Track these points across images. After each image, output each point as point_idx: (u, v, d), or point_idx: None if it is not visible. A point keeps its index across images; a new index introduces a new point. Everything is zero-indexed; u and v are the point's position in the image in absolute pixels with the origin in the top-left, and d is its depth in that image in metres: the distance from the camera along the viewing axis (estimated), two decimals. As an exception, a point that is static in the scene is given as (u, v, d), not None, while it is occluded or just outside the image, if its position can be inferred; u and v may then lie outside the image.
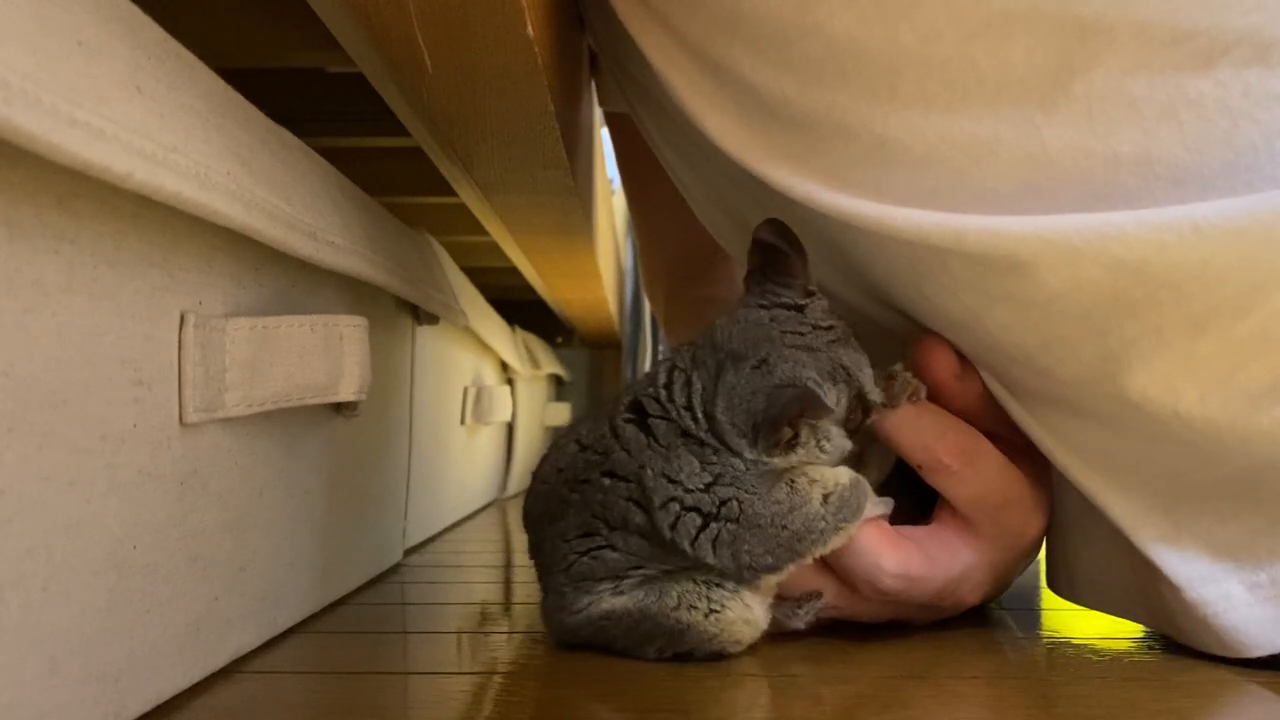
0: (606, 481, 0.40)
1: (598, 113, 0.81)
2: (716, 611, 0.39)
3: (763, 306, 0.41)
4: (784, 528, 0.38)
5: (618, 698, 0.35)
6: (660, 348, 1.92)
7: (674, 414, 0.39)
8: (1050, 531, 0.46)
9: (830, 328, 0.40)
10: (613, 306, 1.38)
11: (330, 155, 0.47)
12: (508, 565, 0.73)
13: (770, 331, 0.40)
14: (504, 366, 1.15)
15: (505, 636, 0.46)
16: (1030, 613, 0.52)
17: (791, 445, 0.38)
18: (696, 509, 0.38)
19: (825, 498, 0.39)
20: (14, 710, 0.25)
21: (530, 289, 1.15)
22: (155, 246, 0.31)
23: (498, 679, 0.38)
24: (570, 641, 0.42)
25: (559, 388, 1.75)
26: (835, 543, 0.39)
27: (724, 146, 0.43)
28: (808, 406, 0.37)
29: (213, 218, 0.31)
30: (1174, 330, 0.36)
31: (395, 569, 0.63)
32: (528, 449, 1.33)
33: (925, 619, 0.45)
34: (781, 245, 0.41)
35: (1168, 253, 0.35)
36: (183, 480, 0.33)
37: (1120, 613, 0.45)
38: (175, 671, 0.33)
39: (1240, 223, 0.34)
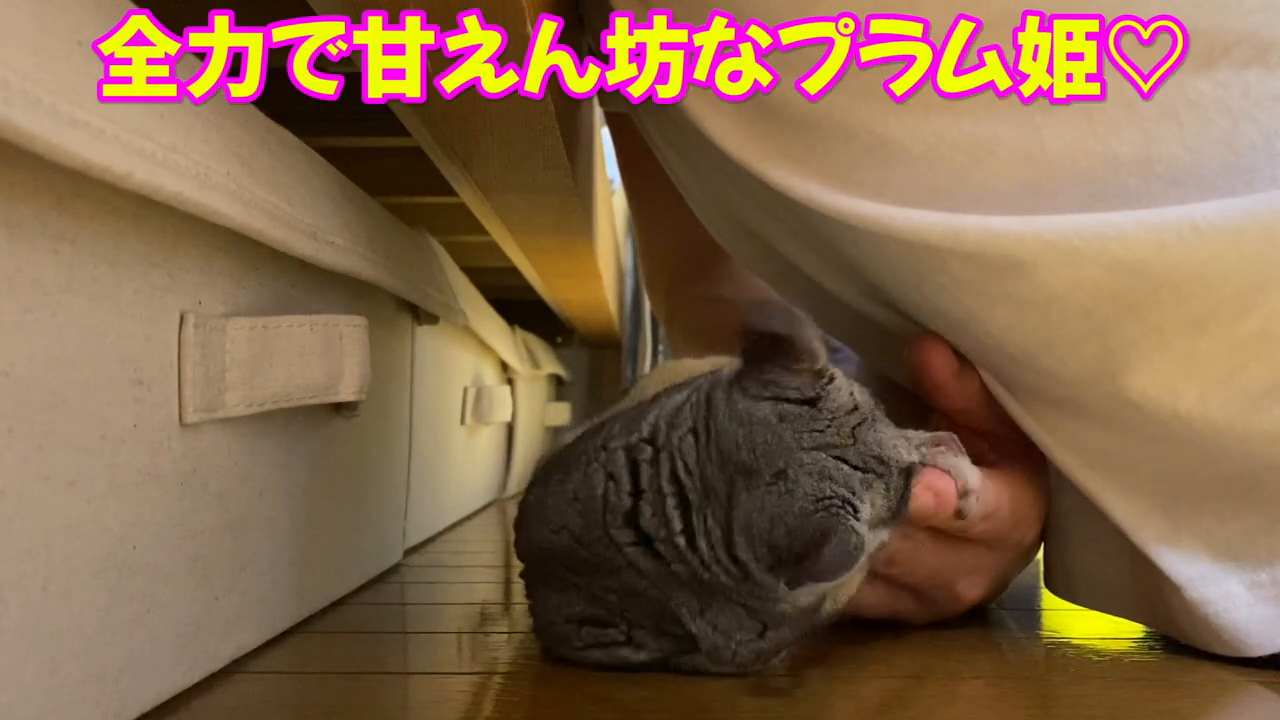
0: (614, 584, 0.36)
1: (598, 113, 0.81)
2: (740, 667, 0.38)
3: (767, 399, 0.35)
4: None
5: (618, 698, 0.35)
6: (660, 348, 1.92)
7: (693, 562, 0.35)
8: (1048, 532, 0.46)
9: (854, 409, 0.35)
10: (613, 306, 1.38)
11: (330, 155, 0.46)
12: (508, 565, 0.72)
13: (783, 435, 0.34)
14: (504, 366, 1.15)
15: (505, 636, 0.46)
16: (1030, 613, 0.52)
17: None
18: (753, 651, 0.36)
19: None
20: (14, 710, 0.25)
21: (530, 289, 1.15)
22: (155, 246, 0.31)
23: (498, 679, 0.38)
24: None
25: (559, 388, 1.75)
26: None
27: (724, 146, 0.43)
28: (838, 563, 0.32)
29: (213, 218, 0.31)
30: (1174, 330, 0.36)
31: (395, 569, 0.63)
32: (528, 449, 1.33)
33: (923, 617, 0.45)
34: (781, 331, 0.35)
35: (1168, 253, 0.35)
36: (183, 480, 0.33)
37: (1120, 612, 0.45)
38: (175, 671, 0.33)
39: (1240, 223, 0.34)
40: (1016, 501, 0.42)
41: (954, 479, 0.39)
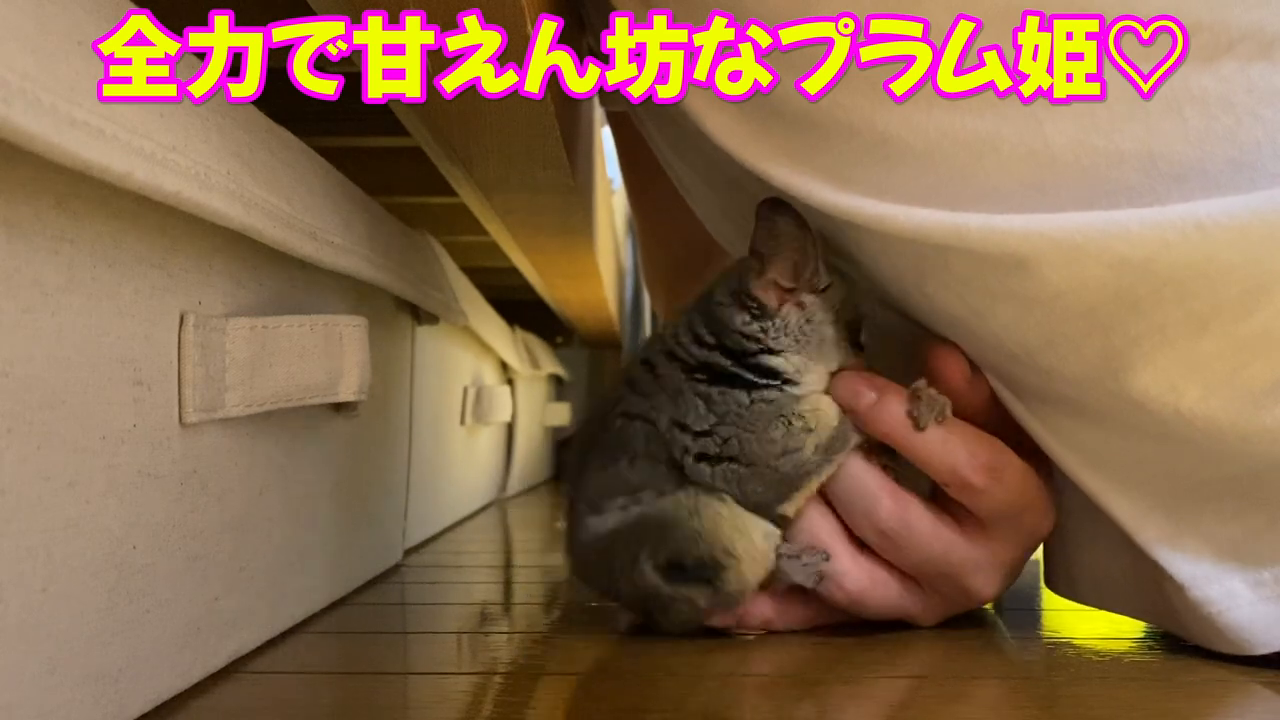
0: (619, 421, 0.43)
1: (598, 112, 0.81)
2: (701, 513, 0.42)
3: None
4: (776, 470, 0.41)
5: (616, 697, 0.35)
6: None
7: (681, 353, 0.43)
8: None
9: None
10: (613, 306, 1.38)
11: (330, 155, 0.46)
12: (508, 565, 0.73)
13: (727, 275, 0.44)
14: (504, 366, 1.15)
15: (505, 636, 0.46)
16: (1031, 613, 0.52)
17: (780, 305, 0.42)
18: (704, 455, 0.42)
19: (817, 446, 0.42)
20: (14, 710, 0.25)
21: (530, 289, 1.15)
22: (155, 246, 0.31)
23: (498, 679, 0.38)
24: (582, 573, 0.46)
25: (559, 388, 1.75)
26: (826, 473, 0.42)
27: (725, 145, 0.43)
28: (778, 217, 0.41)
29: (212, 217, 0.31)
30: (1177, 328, 0.36)
31: (395, 569, 0.63)
32: (528, 449, 1.33)
33: (934, 615, 0.45)
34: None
35: (1171, 251, 0.35)
36: (182, 480, 0.33)
37: (1122, 610, 0.45)
38: (175, 672, 0.33)
39: (1244, 221, 0.34)
40: (1025, 477, 0.42)
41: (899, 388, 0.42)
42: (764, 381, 0.42)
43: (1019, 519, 0.43)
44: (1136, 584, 0.43)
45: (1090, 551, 0.45)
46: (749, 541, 0.41)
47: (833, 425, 0.42)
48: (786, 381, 0.42)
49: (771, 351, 0.42)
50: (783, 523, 0.43)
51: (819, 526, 0.43)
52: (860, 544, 0.43)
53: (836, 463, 0.42)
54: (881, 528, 0.42)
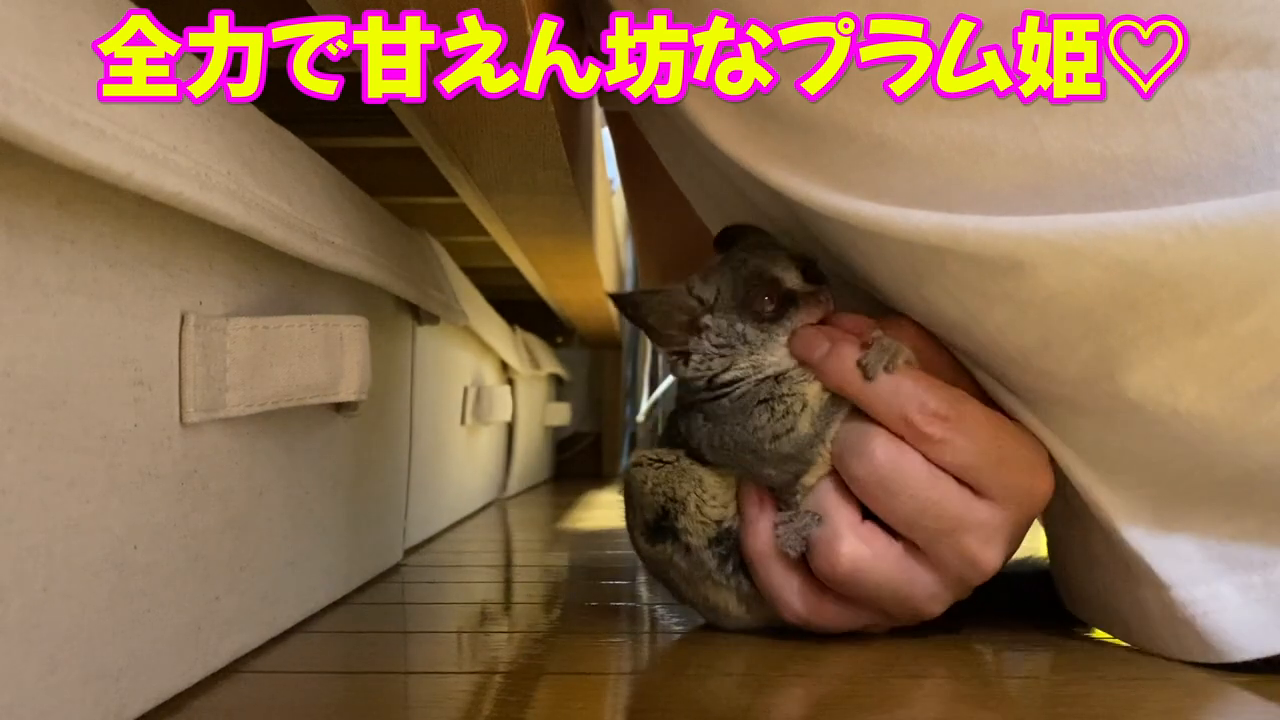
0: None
1: (598, 113, 0.81)
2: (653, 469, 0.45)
3: None
4: (776, 452, 0.42)
5: (617, 697, 0.35)
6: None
7: (685, 396, 0.47)
8: (1052, 546, 0.46)
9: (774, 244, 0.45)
10: (613, 306, 1.38)
11: (330, 155, 0.47)
12: (508, 565, 0.73)
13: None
14: (504, 366, 1.15)
15: (505, 636, 0.46)
16: (1029, 613, 0.51)
17: (684, 344, 0.44)
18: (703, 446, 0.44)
19: (813, 419, 0.42)
20: (14, 710, 0.25)
21: (530, 289, 1.15)
22: (156, 247, 0.31)
23: (498, 679, 0.38)
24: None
25: (559, 388, 1.75)
26: (831, 435, 0.42)
27: (723, 146, 0.43)
28: (631, 300, 0.46)
29: (213, 218, 0.31)
30: (1174, 329, 0.36)
31: (395, 569, 0.63)
32: (528, 449, 1.33)
33: (939, 594, 0.43)
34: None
35: (1167, 253, 0.35)
36: (183, 480, 0.33)
37: (1102, 625, 0.44)
38: (176, 671, 0.33)
39: (1239, 223, 0.34)
40: (992, 429, 0.41)
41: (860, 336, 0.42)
42: (729, 390, 0.44)
43: (1001, 474, 0.41)
44: (1114, 599, 0.42)
45: (1071, 565, 0.45)
46: (694, 483, 0.44)
47: (825, 394, 0.42)
48: (758, 372, 0.43)
49: (723, 371, 0.44)
50: (803, 491, 0.43)
51: (823, 490, 0.42)
52: (864, 515, 0.41)
53: (839, 420, 0.42)
54: (874, 468, 0.40)
